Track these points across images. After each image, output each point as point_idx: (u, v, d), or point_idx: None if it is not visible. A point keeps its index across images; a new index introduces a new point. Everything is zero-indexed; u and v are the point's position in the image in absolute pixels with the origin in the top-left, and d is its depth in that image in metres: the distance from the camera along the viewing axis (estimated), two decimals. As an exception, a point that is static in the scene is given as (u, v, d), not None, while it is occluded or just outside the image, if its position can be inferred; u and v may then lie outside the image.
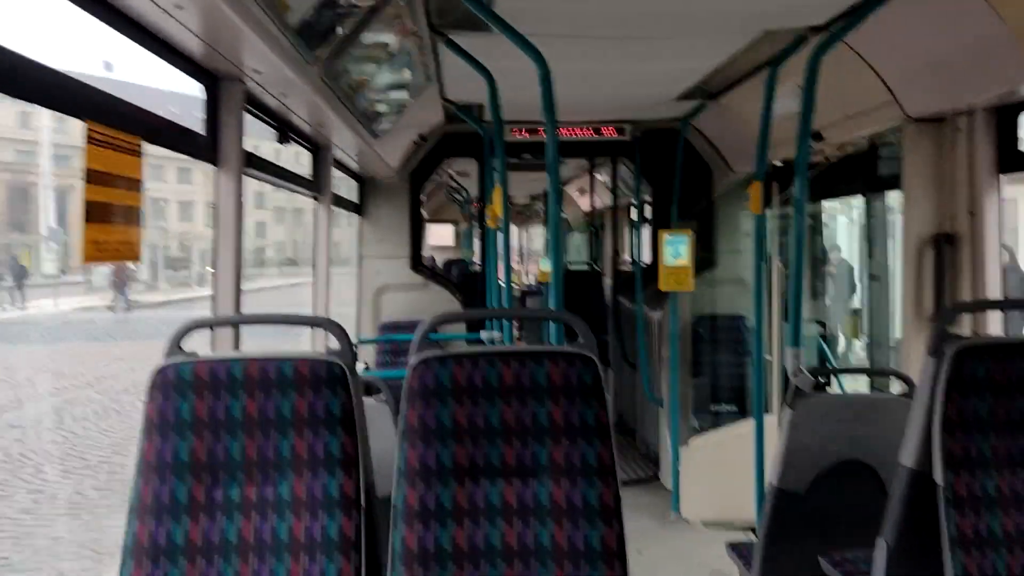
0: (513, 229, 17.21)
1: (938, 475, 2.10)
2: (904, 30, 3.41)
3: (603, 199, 10.25)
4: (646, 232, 7.33)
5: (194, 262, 41.78)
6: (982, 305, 3.31)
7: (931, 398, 2.15)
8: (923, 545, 2.16)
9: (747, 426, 5.47)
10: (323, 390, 1.98)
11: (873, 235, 4.86)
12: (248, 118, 3.05)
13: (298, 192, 4.33)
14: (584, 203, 10.66)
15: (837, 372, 3.76)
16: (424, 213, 14.31)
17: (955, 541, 2.05)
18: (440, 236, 16.34)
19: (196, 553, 1.91)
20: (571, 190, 12.19)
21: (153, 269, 38.11)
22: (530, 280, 16.55)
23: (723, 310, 6.39)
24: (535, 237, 21.30)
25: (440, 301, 6.45)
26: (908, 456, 2.22)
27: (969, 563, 2.04)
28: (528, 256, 20.77)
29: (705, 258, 6.37)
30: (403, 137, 5.74)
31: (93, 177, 1.97)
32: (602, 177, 9.61)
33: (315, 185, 4.54)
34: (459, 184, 12.19)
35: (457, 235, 17.66)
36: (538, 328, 9.36)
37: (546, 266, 10.54)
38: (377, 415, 2.87)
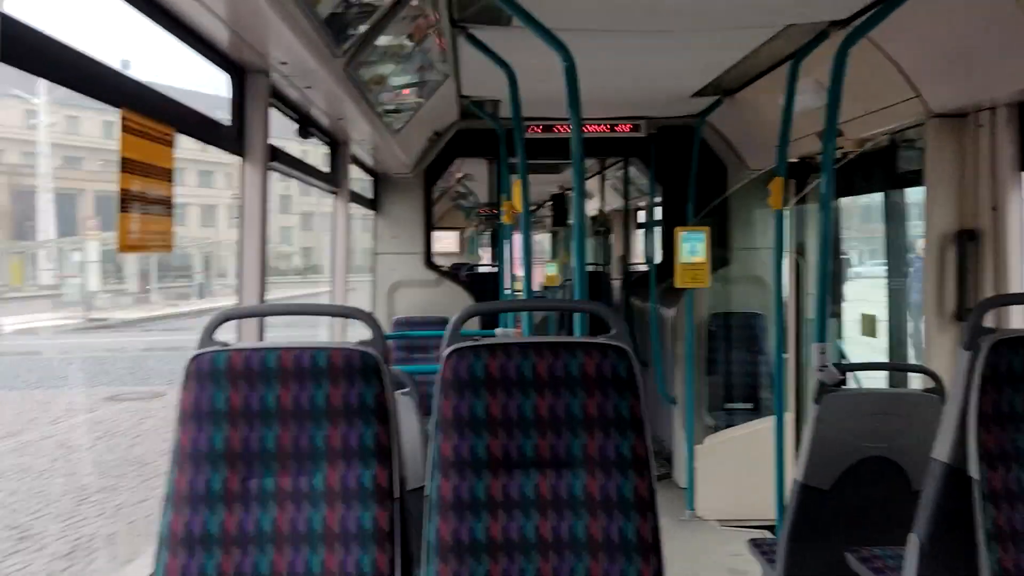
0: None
1: (973, 470, 2.09)
2: (927, 25, 3.39)
3: (612, 202, 10.23)
4: (659, 230, 7.32)
5: (197, 270, 37.13)
6: (1020, 299, 3.29)
7: (966, 391, 2.14)
8: (956, 541, 2.14)
9: (763, 424, 5.47)
10: (357, 380, 1.97)
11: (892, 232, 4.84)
12: (271, 111, 3.05)
13: (317, 186, 4.33)
14: (592, 206, 10.66)
15: (862, 368, 3.75)
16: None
17: (991, 536, 2.04)
18: (444, 243, 16.28)
19: (231, 543, 1.91)
20: (578, 193, 12.19)
21: (144, 279, 33.57)
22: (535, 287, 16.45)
23: (737, 308, 6.37)
24: (541, 243, 21.21)
25: (454, 298, 6.44)
26: (942, 451, 2.21)
27: (1005, 558, 2.02)
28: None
29: (719, 255, 6.36)
30: (419, 133, 5.73)
31: (128, 166, 1.97)
32: (610, 180, 9.60)
33: (333, 179, 4.54)
34: (467, 188, 12.18)
35: (462, 241, 17.63)
36: (543, 325, 9.36)
37: (552, 271, 10.59)
38: (402, 408, 2.87)
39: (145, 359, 17.77)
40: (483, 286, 7.88)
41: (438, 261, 15.37)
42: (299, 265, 45.93)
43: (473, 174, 9.92)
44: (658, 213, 7.27)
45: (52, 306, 27.37)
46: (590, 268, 11.41)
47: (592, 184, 9.68)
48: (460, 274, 11.10)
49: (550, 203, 13.41)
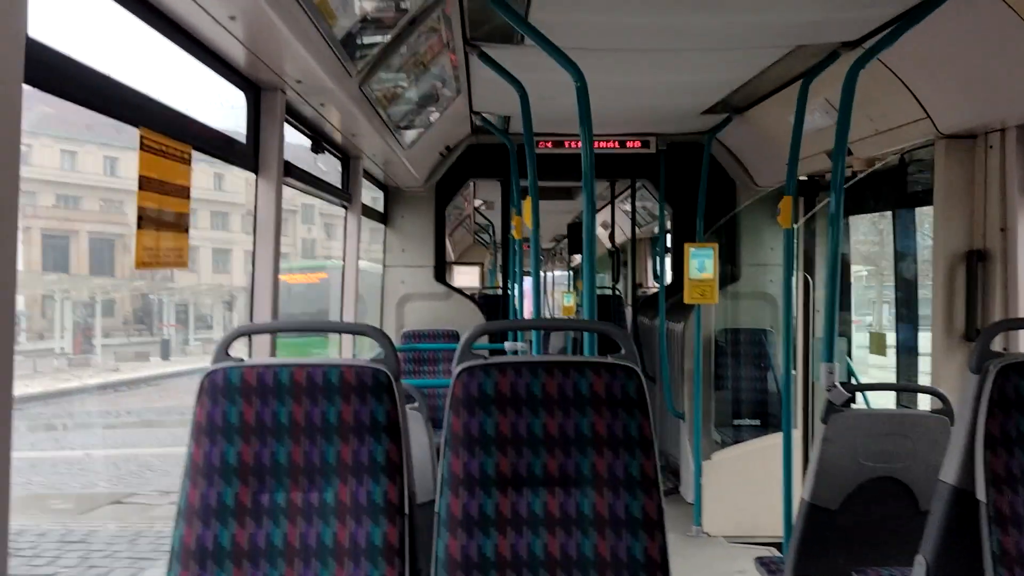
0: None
1: (980, 492, 2.09)
2: (937, 47, 3.41)
3: (624, 230, 10.31)
4: (669, 248, 7.35)
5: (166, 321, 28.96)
6: None
7: (974, 415, 2.15)
8: (963, 563, 2.15)
9: (770, 441, 5.46)
10: (369, 397, 1.99)
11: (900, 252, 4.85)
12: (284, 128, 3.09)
13: (329, 200, 4.36)
14: (605, 236, 10.81)
15: (870, 388, 3.74)
16: (450, 253, 14.31)
17: (997, 559, 2.04)
18: (466, 279, 16.34)
19: (242, 557, 1.93)
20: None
21: (84, 334, 25.98)
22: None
23: (746, 324, 6.38)
24: (559, 280, 21.20)
25: (463, 312, 6.47)
26: (949, 473, 2.22)
27: None
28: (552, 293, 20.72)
29: (728, 272, 6.38)
30: (431, 148, 5.77)
31: (146, 184, 2.01)
32: (624, 206, 9.65)
33: (345, 194, 4.57)
34: (486, 219, 12.23)
35: (482, 276, 17.80)
36: (563, 350, 9.39)
37: (568, 301, 10.74)
38: (411, 423, 2.89)
39: None
40: (494, 304, 7.92)
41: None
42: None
43: (492, 200, 9.96)
44: (668, 237, 7.30)
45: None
46: (606, 291, 11.50)
47: (603, 216, 9.78)
48: (475, 297, 11.19)
49: (566, 237, 13.45)
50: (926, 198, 4.09)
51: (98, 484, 11.33)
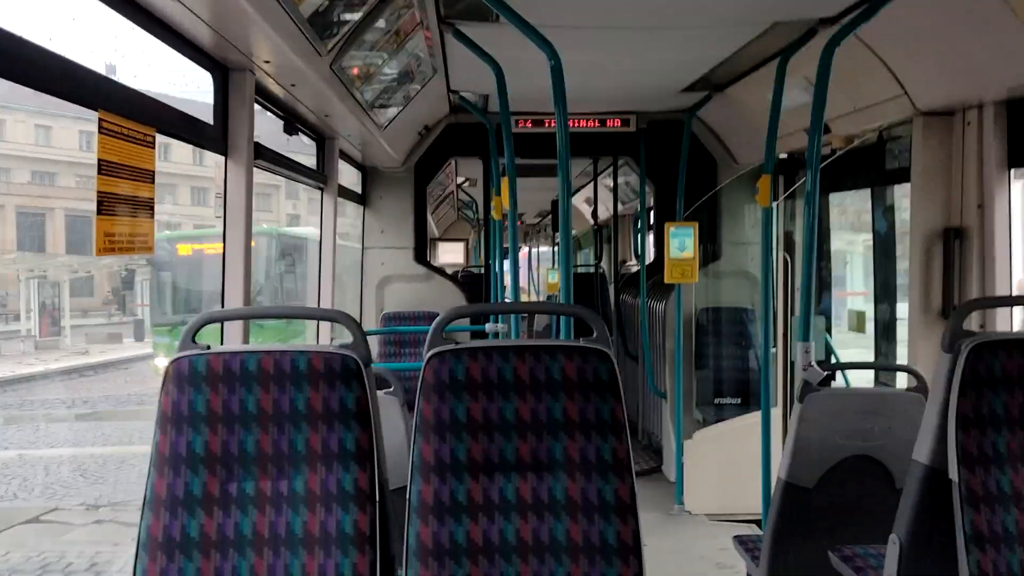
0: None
1: (953, 471, 2.09)
2: (915, 23, 3.39)
3: (607, 207, 10.30)
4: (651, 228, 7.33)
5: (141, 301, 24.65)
6: (999, 302, 3.29)
7: (946, 394, 2.14)
8: (937, 542, 2.15)
9: (751, 419, 5.48)
10: (338, 384, 1.96)
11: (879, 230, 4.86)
12: (255, 109, 3.03)
13: (303, 183, 4.31)
14: (588, 212, 10.77)
15: (846, 367, 3.75)
16: (434, 229, 14.33)
17: (970, 538, 2.04)
18: (450, 255, 16.32)
19: (210, 547, 1.90)
20: (576, 201, 12.21)
21: (50, 315, 23.45)
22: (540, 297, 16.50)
23: (727, 302, 6.39)
24: (544, 255, 21.15)
25: (444, 293, 6.44)
26: (922, 452, 2.21)
27: (984, 560, 2.03)
28: (536, 269, 20.72)
29: (709, 250, 6.37)
30: (408, 127, 5.71)
31: (105, 168, 1.96)
32: (607, 181, 9.62)
33: (321, 176, 4.52)
34: (469, 196, 12.16)
35: (467, 252, 17.77)
36: (547, 332, 9.38)
37: (554, 278, 10.73)
38: (386, 408, 2.86)
39: None
40: (477, 283, 7.89)
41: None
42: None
43: (476, 178, 9.91)
44: (649, 215, 7.28)
45: None
46: (589, 269, 11.48)
47: (588, 192, 9.73)
48: (458, 275, 11.18)
49: (551, 213, 13.37)
50: (905, 175, 4.08)
51: (20, 495, 9.98)
